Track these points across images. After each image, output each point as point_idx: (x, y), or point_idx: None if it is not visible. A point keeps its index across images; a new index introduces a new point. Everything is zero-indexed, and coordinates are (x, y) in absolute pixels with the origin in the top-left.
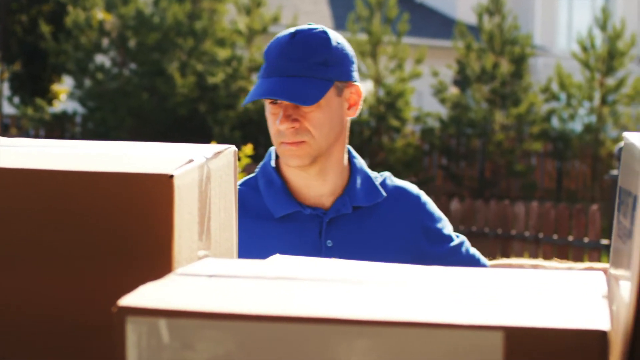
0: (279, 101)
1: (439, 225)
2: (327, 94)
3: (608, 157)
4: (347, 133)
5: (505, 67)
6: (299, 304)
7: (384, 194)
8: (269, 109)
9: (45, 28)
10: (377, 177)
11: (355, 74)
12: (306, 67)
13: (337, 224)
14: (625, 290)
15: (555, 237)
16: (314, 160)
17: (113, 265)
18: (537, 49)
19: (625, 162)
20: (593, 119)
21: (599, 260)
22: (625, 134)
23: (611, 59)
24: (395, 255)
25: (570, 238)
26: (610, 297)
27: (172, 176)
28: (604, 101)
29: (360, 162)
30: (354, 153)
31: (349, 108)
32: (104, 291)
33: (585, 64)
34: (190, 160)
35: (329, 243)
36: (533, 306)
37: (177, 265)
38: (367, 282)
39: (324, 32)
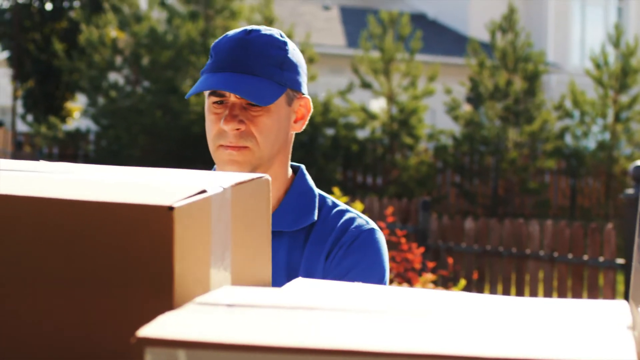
0: (225, 100)
1: (352, 267)
2: (278, 100)
3: (622, 174)
4: (290, 148)
5: (518, 84)
6: (319, 336)
7: (315, 218)
8: (211, 108)
9: (58, 46)
10: (326, 201)
11: (305, 87)
12: (261, 65)
13: None
14: None
15: (570, 256)
16: (252, 171)
17: (112, 295)
18: (550, 66)
19: None
20: (606, 136)
21: (614, 280)
22: None
23: (624, 76)
24: None
25: (585, 257)
26: (633, 325)
27: (172, 208)
28: (617, 118)
29: (306, 183)
30: (304, 171)
31: (295, 121)
32: (104, 321)
33: (599, 81)
34: (202, 191)
35: None
36: (558, 337)
37: (181, 298)
38: (389, 312)
39: (281, 34)
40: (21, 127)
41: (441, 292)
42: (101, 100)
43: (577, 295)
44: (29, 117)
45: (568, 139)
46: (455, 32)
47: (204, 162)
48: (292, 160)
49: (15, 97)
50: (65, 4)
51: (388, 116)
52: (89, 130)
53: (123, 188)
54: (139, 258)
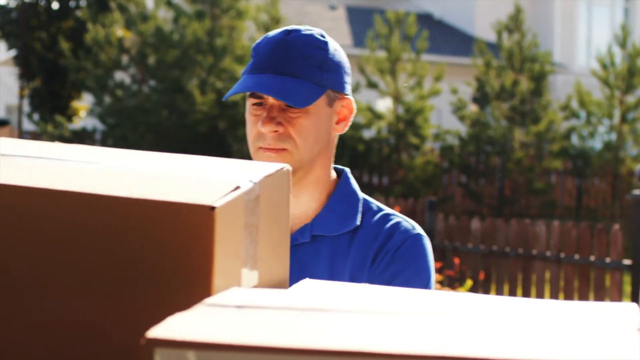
0: (264, 102)
1: (399, 272)
2: (317, 101)
3: (628, 175)
4: (333, 150)
5: (524, 84)
6: (328, 337)
7: (357, 223)
8: (251, 109)
9: (65, 45)
10: (371, 206)
11: (349, 87)
12: (300, 66)
13: (294, 253)
14: None
15: (576, 257)
16: (293, 173)
17: (150, 294)
18: (556, 67)
19: None
20: (613, 136)
21: (621, 280)
22: None
23: (631, 76)
24: None
25: (592, 258)
26: None
27: (213, 208)
28: (623, 119)
29: (350, 187)
30: (348, 175)
31: (337, 122)
32: (139, 319)
33: (605, 82)
34: (237, 188)
35: None
36: (568, 340)
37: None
38: (398, 313)
39: (322, 35)
40: (27, 125)
41: (449, 294)
42: (107, 99)
43: (583, 295)
44: (36, 116)
45: (574, 140)
46: (461, 32)
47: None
48: None
49: (21, 96)
50: (72, 3)
51: (394, 116)
52: (95, 129)
53: (160, 182)
54: (178, 256)
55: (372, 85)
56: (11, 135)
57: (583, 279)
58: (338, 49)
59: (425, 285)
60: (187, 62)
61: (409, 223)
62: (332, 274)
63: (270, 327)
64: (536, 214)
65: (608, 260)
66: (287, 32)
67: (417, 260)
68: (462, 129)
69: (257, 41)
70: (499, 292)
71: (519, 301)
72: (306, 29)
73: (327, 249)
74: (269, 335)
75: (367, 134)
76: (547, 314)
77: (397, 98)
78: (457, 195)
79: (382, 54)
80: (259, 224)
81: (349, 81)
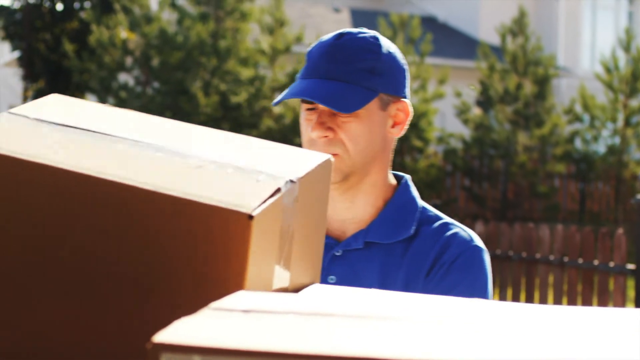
0: (316, 107)
1: (456, 284)
2: (369, 105)
3: (631, 179)
4: (389, 155)
5: (528, 88)
6: (335, 342)
7: (411, 232)
8: (304, 115)
9: (69, 46)
10: (429, 214)
11: (407, 90)
12: (349, 71)
13: (346, 258)
14: None
15: (580, 261)
16: (346, 178)
17: (182, 293)
18: (560, 70)
19: None
20: (616, 140)
21: (625, 285)
22: None
23: (635, 80)
24: None
25: (596, 262)
26: None
27: (251, 217)
28: (627, 123)
29: (409, 194)
30: (409, 182)
31: (393, 126)
32: (170, 317)
33: (609, 86)
34: (277, 190)
35: (331, 279)
36: (581, 348)
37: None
38: (408, 319)
39: (375, 38)
40: None
41: (456, 300)
42: (111, 100)
43: (587, 300)
44: None
45: (578, 143)
46: (465, 36)
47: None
48: None
49: (25, 97)
50: (76, 5)
51: None
52: None
53: (201, 176)
54: (211, 258)
55: None
56: None
57: (586, 283)
58: (393, 52)
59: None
60: (191, 64)
61: (467, 233)
62: (384, 283)
63: (276, 332)
64: (539, 217)
65: (612, 264)
66: (340, 36)
67: (473, 274)
68: (466, 132)
69: (312, 45)
70: (502, 295)
71: (525, 307)
72: (360, 31)
73: (380, 256)
74: (275, 341)
75: None
76: (553, 319)
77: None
78: (461, 198)
79: None
80: (295, 223)
81: (406, 84)
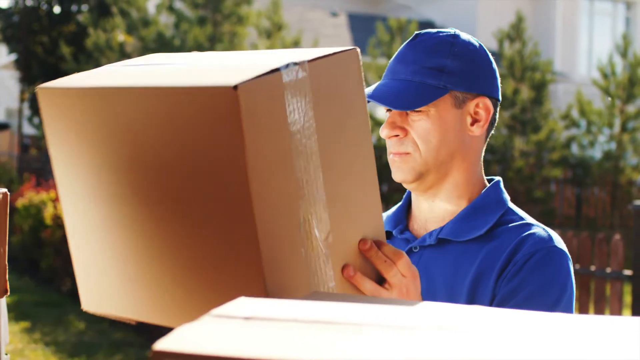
0: (391, 108)
1: (514, 294)
2: (440, 104)
3: (627, 184)
4: (474, 154)
5: (525, 93)
6: (337, 351)
7: (483, 230)
8: (385, 116)
9: (66, 49)
10: (513, 217)
11: (491, 87)
12: (414, 70)
13: (420, 254)
14: None
15: (577, 266)
16: (420, 178)
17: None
18: (557, 76)
19: None
20: (613, 146)
21: (621, 290)
22: None
23: (632, 86)
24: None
25: (593, 268)
26: None
27: (236, 87)
28: (624, 128)
29: (498, 195)
30: (499, 185)
31: (472, 124)
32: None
33: (606, 91)
34: (274, 70)
35: None
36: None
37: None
38: (411, 327)
39: (453, 36)
40: (28, 129)
41: (455, 307)
42: None
43: (584, 305)
44: (36, 120)
45: (574, 149)
46: None
47: None
48: None
49: (22, 100)
50: (74, 8)
51: None
52: None
53: (205, 72)
54: (208, 143)
55: None
56: (11, 139)
57: (583, 289)
58: (473, 49)
59: (554, 302)
60: None
61: (546, 233)
62: (453, 280)
63: (277, 340)
64: None
65: (609, 270)
66: (415, 37)
67: (545, 274)
68: None
69: None
70: None
71: (525, 314)
72: (438, 31)
73: (454, 254)
74: (276, 349)
75: None
76: (555, 327)
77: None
78: None
79: (383, 61)
80: (317, 114)
81: (491, 81)
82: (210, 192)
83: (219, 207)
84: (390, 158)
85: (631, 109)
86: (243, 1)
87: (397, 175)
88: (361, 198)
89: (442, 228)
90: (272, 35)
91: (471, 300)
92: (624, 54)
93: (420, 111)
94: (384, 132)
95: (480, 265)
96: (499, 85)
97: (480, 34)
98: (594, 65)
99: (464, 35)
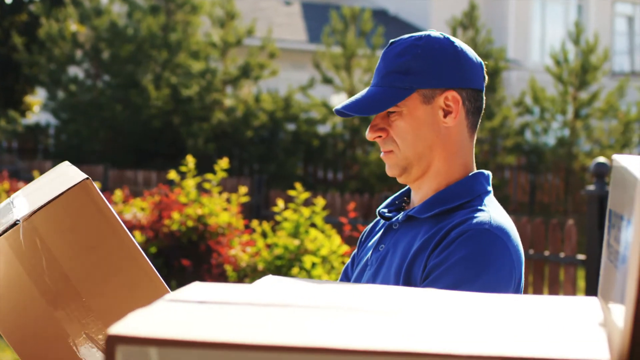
0: None
1: (438, 266)
2: (410, 103)
3: (581, 170)
4: (453, 144)
5: None
6: (289, 333)
7: (437, 210)
8: None
9: (18, 39)
10: (477, 204)
11: (459, 79)
12: (382, 76)
13: (397, 231)
14: (618, 316)
15: (531, 252)
16: (405, 171)
17: None
18: (510, 63)
19: (616, 185)
20: (566, 132)
21: (575, 275)
22: (615, 157)
23: (584, 73)
24: (394, 277)
25: (547, 253)
26: (604, 322)
27: None
28: (577, 115)
29: (471, 185)
30: (479, 177)
31: (445, 116)
32: None
33: (559, 78)
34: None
35: (382, 247)
36: (531, 334)
37: None
38: (360, 310)
39: (418, 38)
40: None
41: (412, 290)
42: (61, 94)
43: (538, 290)
44: None
45: (528, 135)
46: (416, 28)
47: (164, 156)
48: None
49: None
50: None
51: None
52: (48, 125)
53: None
54: None
55: (327, 80)
56: None
57: (537, 274)
58: (439, 47)
59: (468, 279)
60: (141, 57)
61: (488, 218)
62: (405, 253)
63: (232, 323)
64: None
65: (562, 255)
66: (390, 44)
67: (465, 251)
68: None
69: None
70: None
71: (480, 296)
72: (410, 36)
73: (414, 230)
74: (231, 331)
75: (322, 129)
76: (509, 308)
77: (352, 93)
78: None
79: (337, 50)
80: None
81: (459, 74)
82: None
83: None
84: (381, 156)
85: (584, 95)
86: None
87: (388, 171)
88: (130, 293)
89: (413, 208)
90: (226, 24)
91: (409, 271)
92: (576, 41)
93: (395, 112)
94: (367, 135)
95: (424, 239)
96: (478, 73)
97: (434, 22)
98: (547, 52)
99: (434, 34)
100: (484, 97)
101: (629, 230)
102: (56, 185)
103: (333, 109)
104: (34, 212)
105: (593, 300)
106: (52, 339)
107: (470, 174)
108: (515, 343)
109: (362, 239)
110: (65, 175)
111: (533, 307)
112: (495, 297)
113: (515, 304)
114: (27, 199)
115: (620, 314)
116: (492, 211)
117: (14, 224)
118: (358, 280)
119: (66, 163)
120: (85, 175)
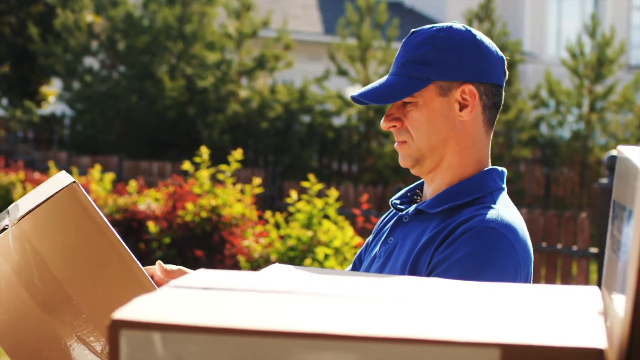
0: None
1: (442, 262)
2: (426, 94)
3: (596, 164)
4: (464, 138)
5: None
6: (291, 319)
7: (447, 206)
8: None
9: (34, 30)
10: (488, 201)
11: (478, 73)
12: (400, 65)
13: (407, 224)
14: (620, 305)
15: (544, 244)
16: (418, 163)
17: None
18: (526, 56)
19: (620, 176)
20: (581, 125)
21: (587, 268)
22: (620, 148)
23: (600, 66)
24: (400, 270)
25: (559, 246)
26: (604, 312)
27: None
28: (592, 108)
29: (483, 181)
30: (493, 173)
31: (461, 110)
32: None
33: (574, 71)
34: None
35: (390, 240)
36: (529, 323)
37: None
38: (363, 297)
39: (439, 30)
40: None
41: (416, 279)
42: (76, 84)
43: (550, 282)
44: (4, 101)
45: (543, 129)
46: (432, 21)
47: (179, 147)
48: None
49: None
50: None
51: None
52: (64, 115)
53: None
54: None
55: (342, 72)
56: None
57: (550, 267)
58: (460, 39)
59: (471, 275)
60: (157, 48)
61: (496, 216)
62: (412, 248)
63: (236, 309)
64: None
65: (575, 248)
66: (411, 34)
67: (470, 247)
68: None
69: None
70: None
71: (482, 285)
72: (431, 27)
73: (423, 224)
74: (234, 317)
75: (337, 121)
76: (510, 296)
77: (367, 85)
78: None
79: (352, 42)
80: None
81: (479, 68)
82: None
83: None
84: (395, 146)
85: (599, 88)
86: None
87: (400, 162)
88: (119, 294)
89: (424, 202)
90: (241, 15)
91: (415, 265)
92: (592, 34)
93: (411, 102)
94: (382, 124)
95: (431, 235)
96: (498, 68)
97: (450, 14)
98: (563, 45)
99: (456, 26)
100: (503, 93)
101: (630, 220)
102: (45, 190)
103: (349, 97)
104: (23, 216)
105: (594, 289)
106: (44, 342)
107: (483, 170)
108: (512, 331)
109: (378, 229)
110: (55, 181)
111: (533, 296)
112: (495, 286)
113: (516, 292)
114: (19, 205)
115: (621, 304)
116: (501, 209)
117: (3, 229)
118: (366, 272)
119: (62, 172)
120: (72, 179)
